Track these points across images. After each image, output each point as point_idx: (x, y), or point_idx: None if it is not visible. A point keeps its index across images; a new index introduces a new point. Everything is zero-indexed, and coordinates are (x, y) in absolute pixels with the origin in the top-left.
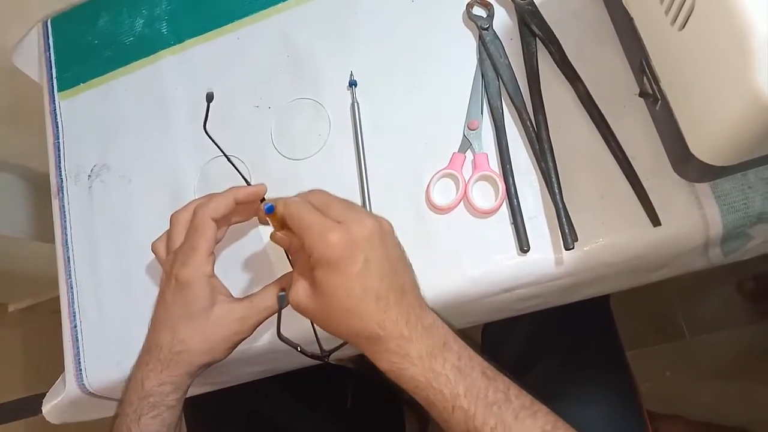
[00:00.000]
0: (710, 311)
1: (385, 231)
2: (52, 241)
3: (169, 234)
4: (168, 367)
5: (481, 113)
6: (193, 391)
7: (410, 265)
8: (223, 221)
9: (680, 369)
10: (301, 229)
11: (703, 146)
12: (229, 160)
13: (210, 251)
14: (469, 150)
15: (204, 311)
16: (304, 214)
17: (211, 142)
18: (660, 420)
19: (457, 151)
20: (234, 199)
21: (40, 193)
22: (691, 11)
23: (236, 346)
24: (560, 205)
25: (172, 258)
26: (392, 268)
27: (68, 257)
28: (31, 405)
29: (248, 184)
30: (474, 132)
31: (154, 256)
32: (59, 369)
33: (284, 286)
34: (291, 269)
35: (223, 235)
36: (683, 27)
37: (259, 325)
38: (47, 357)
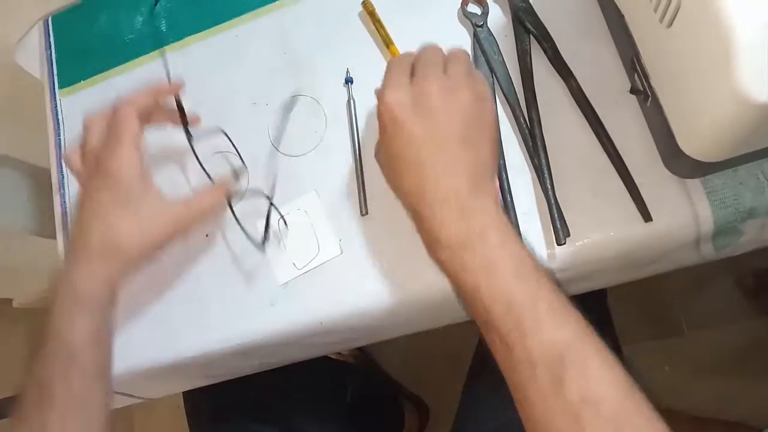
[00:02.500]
0: (709, 306)
1: (456, 99)
2: (55, 236)
3: (83, 138)
4: (102, 261)
5: None
6: (192, 385)
7: (483, 141)
8: (143, 119)
9: (679, 364)
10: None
11: (691, 143)
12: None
13: (137, 144)
14: None
15: (138, 201)
16: (391, 64)
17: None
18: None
19: None
20: (154, 94)
21: (43, 188)
22: (678, 9)
23: (170, 242)
24: (552, 201)
25: (93, 156)
26: (433, 139)
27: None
28: None
29: (242, 161)
30: None
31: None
32: None
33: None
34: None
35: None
36: (671, 25)
37: (196, 223)
38: None
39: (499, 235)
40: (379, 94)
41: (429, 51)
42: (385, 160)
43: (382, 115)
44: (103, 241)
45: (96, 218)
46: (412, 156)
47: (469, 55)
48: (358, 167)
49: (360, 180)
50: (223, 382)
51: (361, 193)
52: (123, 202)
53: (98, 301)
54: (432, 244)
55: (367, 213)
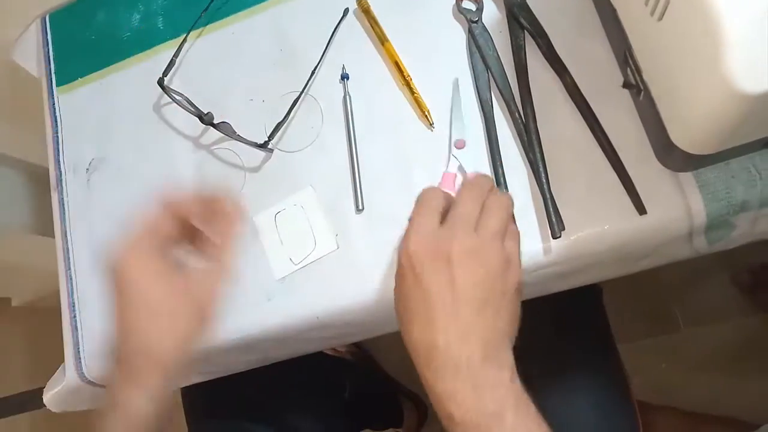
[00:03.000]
0: (705, 303)
1: (474, 265)
2: (53, 234)
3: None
4: (148, 380)
5: (463, 123)
6: (188, 381)
7: (501, 307)
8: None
9: (675, 361)
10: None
11: (683, 135)
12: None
13: (152, 238)
14: (458, 169)
15: (157, 306)
16: (423, 202)
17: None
18: (654, 411)
19: (446, 170)
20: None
21: (40, 187)
22: (668, 3)
23: (199, 336)
24: (547, 195)
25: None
26: (447, 300)
27: (67, 249)
28: (35, 398)
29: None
30: (461, 151)
31: None
32: (62, 363)
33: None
34: None
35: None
36: (662, 18)
37: (212, 306)
38: (50, 351)
39: (516, 415)
40: (405, 236)
41: (468, 200)
42: (398, 306)
43: (401, 258)
44: (142, 358)
45: (127, 333)
46: (424, 313)
47: (511, 204)
48: (354, 163)
49: (356, 176)
50: (220, 379)
51: (357, 189)
52: (144, 313)
53: (149, 425)
54: (442, 416)
55: (363, 208)
